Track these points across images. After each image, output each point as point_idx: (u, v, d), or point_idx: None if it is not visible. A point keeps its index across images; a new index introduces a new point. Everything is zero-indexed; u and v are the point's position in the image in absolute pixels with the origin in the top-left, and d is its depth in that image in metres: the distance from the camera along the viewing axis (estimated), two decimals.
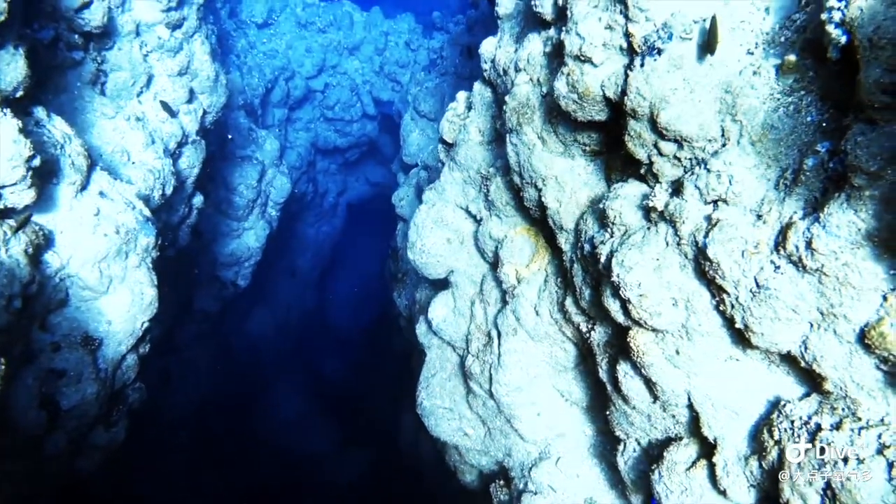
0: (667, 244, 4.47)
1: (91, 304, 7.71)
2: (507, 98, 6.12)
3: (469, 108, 7.66)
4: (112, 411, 7.81)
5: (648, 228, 4.59)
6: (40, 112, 7.74)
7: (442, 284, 7.69)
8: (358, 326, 22.97)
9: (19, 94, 7.22)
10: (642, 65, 4.53)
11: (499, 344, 6.52)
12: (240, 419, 17.00)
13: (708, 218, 4.22)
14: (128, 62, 9.74)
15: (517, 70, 6.13)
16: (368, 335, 21.75)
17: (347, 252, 25.53)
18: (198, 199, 11.59)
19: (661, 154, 4.69)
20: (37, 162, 6.85)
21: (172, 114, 9.98)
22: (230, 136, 13.31)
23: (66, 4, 8.71)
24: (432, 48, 19.76)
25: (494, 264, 6.86)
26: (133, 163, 9.35)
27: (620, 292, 4.55)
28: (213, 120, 11.67)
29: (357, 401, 19.76)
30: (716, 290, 4.04)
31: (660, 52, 4.49)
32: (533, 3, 5.88)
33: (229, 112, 14.23)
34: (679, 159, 4.66)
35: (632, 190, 4.94)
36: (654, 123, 4.56)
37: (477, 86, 7.45)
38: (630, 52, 4.78)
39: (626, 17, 4.75)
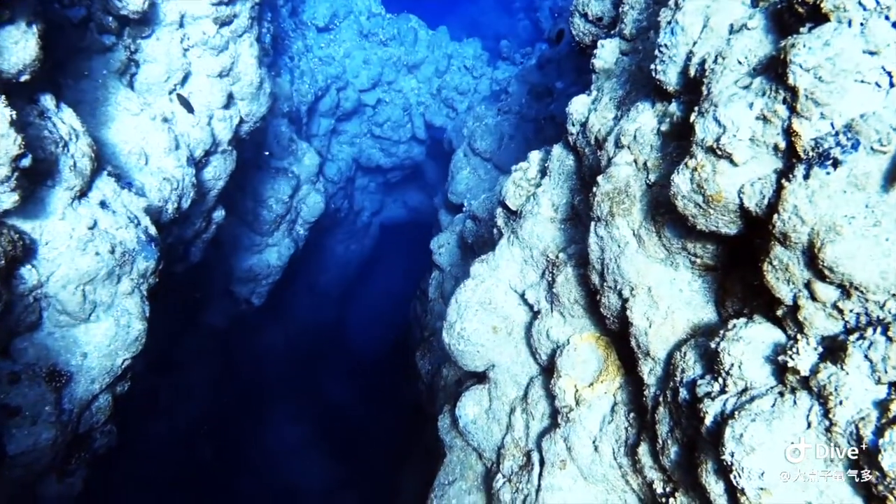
0: (808, 425, 3.15)
1: (67, 331, 6.57)
2: (599, 179, 4.87)
3: (542, 173, 6.43)
4: (71, 459, 6.63)
5: (782, 395, 3.27)
6: (48, 101, 6.67)
7: (478, 375, 6.41)
8: (374, 355, 21.72)
9: (24, 77, 6.16)
10: (806, 176, 3.26)
11: (540, 474, 5.21)
12: (231, 447, 15.82)
13: (881, 407, 2.94)
14: (164, 55, 8.70)
15: (618, 146, 4.89)
16: (383, 366, 20.51)
17: (374, 275, 24.36)
18: (219, 214, 10.50)
19: (814, 299, 3.37)
20: (27, 162, 5.77)
21: (190, 109, 8.88)
22: (267, 153, 12.25)
23: None
24: (496, 79, 18.66)
25: (548, 371, 5.56)
26: (150, 168, 8.26)
27: (731, 475, 3.24)
28: (249, 129, 10.60)
29: (359, 436, 18.49)
30: None
31: (836, 163, 3.20)
32: (651, 66, 4.64)
33: (271, 118, 13.20)
34: (841, 311, 3.33)
35: (760, 334, 3.60)
36: (811, 257, 3.27)
37: (557, 149, 6.21)
38: (789, 155, 3.49)
39: (791, 110, 3.46)
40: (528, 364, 5.92)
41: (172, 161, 8.52)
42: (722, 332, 3.76)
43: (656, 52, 4.61)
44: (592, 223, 4.98)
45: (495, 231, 7.19)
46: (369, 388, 20.55)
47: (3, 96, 5.58)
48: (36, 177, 6.23)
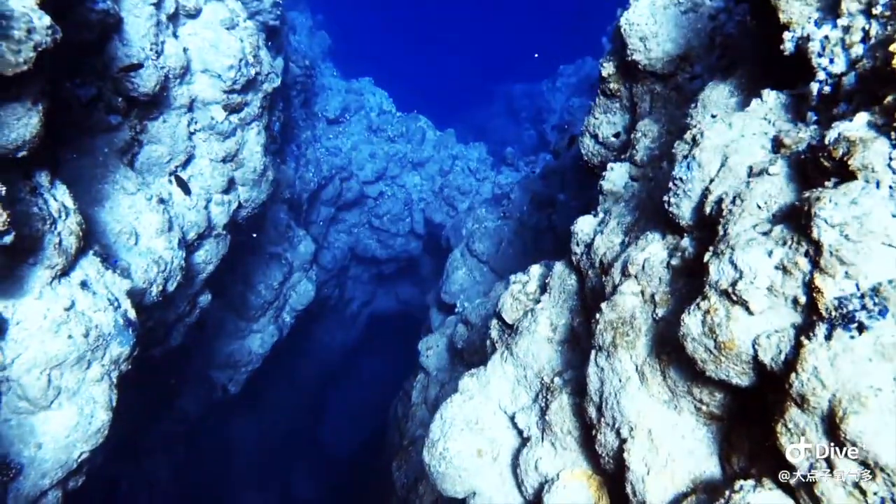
0: None
1: (24, 419, 6.14)
2: (603, 306, 4.65)
3: (542, 289, 6.22)
4: None
5: None
6: (42, 177, 6.51)
7: (457, 502, 5.94)
8: (348, 454, 20.84)
9: (21, 153, 6.03)
10: (828, 337, 3.04)
11: None
12: None
13: None
14: (170, 137, 8.67)
15: (624, 274, 4.70)
16: (357, 463, 19.63)
17: (358, 367, 23.76)
18: (204, 298, 10.21)
19: (831, 474, 3.08)
20: (9, 239, 5.51)
21: (187, 191, 8.75)
22: (254, 235, 12.10)
23: (118, 65, 7.74)
24: (498, 183, 18.87)
25: None
26: (139, 249, 8.04)
27: None
28: (247, 214, 10.48)
29: None
30: None
31: (861, 327, 3.00)
32: (664, 198, 4.51)
33: (271, 204, 13.13)
34: (864, 493, 3.04)
35: (770, 503, 3.28)
36: (832, 427, 3.00)
37: (559, 267, 6.03)
38: (809, 311, 3.29)
39: (814, 265, 3.29)
40: (512, 495, 5.49)
41: (163, 242, 8.31)
42: (728, 493, 3.43)
43: (670, 184, 4.50)
44: (593, 352, 4.72)
45: (488, 343, 6.90)
46: (339, 490, 19.61)
47: None
48: (17, 254, 5.98)
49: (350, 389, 23.61)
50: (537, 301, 6.16)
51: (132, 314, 7.14)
